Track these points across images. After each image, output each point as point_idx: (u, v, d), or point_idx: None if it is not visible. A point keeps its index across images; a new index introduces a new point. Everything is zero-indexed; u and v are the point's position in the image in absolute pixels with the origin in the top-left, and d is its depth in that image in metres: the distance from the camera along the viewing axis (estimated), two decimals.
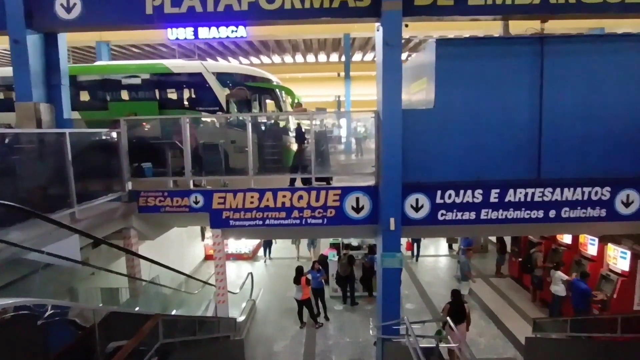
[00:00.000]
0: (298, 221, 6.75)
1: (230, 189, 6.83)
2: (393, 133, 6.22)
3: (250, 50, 23.36)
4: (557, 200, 6.56)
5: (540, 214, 6.60)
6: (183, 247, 12.93)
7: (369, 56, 25.88)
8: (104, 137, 6.61)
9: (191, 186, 6.93)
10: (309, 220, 6.75)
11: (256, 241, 15.90)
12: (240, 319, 9.38)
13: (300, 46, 22.86)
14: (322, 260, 11.26)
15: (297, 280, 9.48)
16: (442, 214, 6.63)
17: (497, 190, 6.56)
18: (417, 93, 7.58)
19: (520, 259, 11.61)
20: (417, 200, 6.60)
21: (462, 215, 6.63)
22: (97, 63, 12.07)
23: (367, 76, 21.65)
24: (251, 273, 11.35)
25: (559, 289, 8.92)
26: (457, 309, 7.30)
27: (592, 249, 8.95)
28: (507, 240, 12.38)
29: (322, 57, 26.54)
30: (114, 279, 7.31)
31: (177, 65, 10.20)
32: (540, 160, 6.44)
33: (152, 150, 7.29)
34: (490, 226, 6.79)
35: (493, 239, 15.37)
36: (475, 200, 6.59)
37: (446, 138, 6.46)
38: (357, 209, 6.71)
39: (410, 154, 6.37)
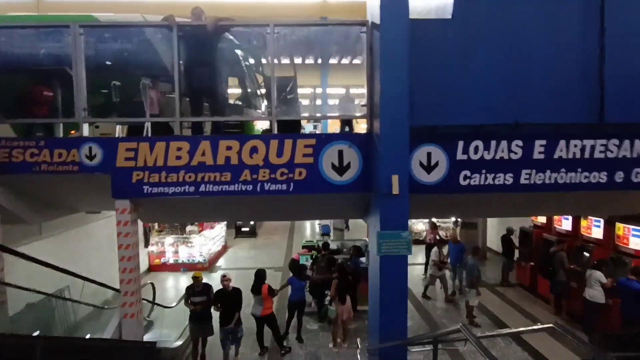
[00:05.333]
0: (250, 186, 4.42)
1: (144, 137, 4.46)
2: (397, 51, 4.08)
3: None
4: (626, 157, 4.57)
5: (603, 176, 4.58)
6: (115, 252, 10.15)
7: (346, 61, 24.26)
8: None
9: (85, 133, 4.50)
10: (266, 186, 4.43)
11: (214, 249, 13.26)
12: (176, 344, 6.76)
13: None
14: (293, 266, 8.83)
15: (256, 289, 6.97)
16: (466, 176, 4.48)
17: (543, 142, 4.51)
18: None
19: (532, 263, 9.63)
20: (428, 155, 4.45)
21: (494, 178, 4.51)
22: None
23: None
24: None
25: (596, 294, 6.89)
26: (344, 286, 7.04)
27: (635, 242, 7.02)
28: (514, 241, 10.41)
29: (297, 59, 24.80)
30: None
31: (112, 20, 7.86)
32: (603, 98, 4.46)
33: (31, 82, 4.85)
34: (532, 196, 4.72)
35: (491, 244, 13.48)
36: (513, 156, 4.51)
37: (470, 62, 4.38)
38: (341, 168, 4.46)
39: (418, 86, 4.24)
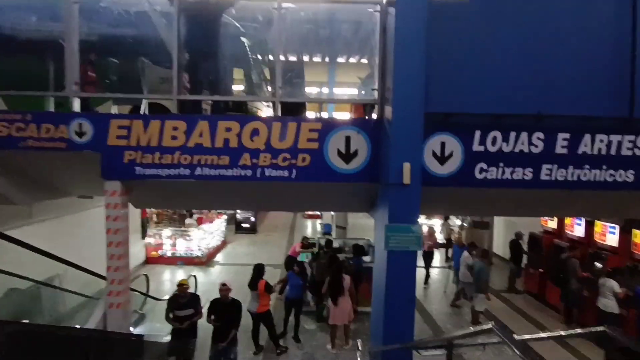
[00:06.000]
0: (249, 172, 4.12)
1: (138, 115, 4.17)
2: (413, 29, 3.79)
3: None
4: None
5: (630, 175, 4.24)
6: None
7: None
8: None
9: (76, 108, 4.22)
10: (267, 172, 4.13)
11: (213, 244, 12.97)
12: (167, 339, 6.45)
13: None
14: (289, 263, 8.52)
15: (253, 285, 6.67)
16: (482, 169, 4.16)
17: (567, 136, 4.19)
18: None
19: (541, 270, 9.27)
20: (442, 144, 4.13)
21: (512, 172, 4.18)
22: None
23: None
24: (194, 276, 8.41)
25: (609, 304, 6.54)
26: (334, 284, 6.63)
27: None
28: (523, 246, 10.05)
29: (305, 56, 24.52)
30: None
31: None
32: (634, 90, 4.12)
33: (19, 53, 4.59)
34: (552, 193, 4.38)
35: (497, 249, 13.10)
36: (533, 150, 4.18)
37: (491, 47, 4.07)
38: (347, 156, 4.16)
39: (434, 71, 3.94)
